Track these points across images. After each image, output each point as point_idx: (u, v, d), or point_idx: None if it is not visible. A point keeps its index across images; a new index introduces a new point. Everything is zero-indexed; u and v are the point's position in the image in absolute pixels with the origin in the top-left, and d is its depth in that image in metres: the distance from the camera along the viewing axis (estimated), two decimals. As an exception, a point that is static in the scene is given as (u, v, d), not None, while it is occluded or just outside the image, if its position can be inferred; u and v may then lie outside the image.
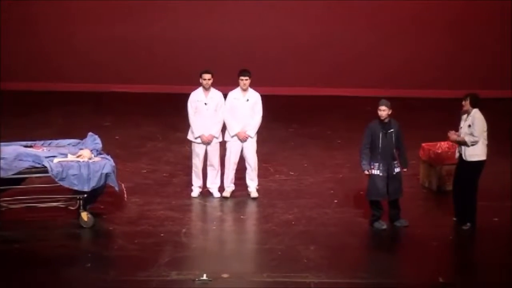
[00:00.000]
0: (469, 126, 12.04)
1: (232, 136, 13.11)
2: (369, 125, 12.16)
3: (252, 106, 13.07)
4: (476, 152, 12.08)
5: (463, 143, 12.06)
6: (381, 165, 12.04)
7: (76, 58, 19.80)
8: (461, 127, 12.17)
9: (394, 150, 12.16)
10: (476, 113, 12.07)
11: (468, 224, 12.23)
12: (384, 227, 12.18)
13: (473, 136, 11.98)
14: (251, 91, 13.10)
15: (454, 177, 12.43)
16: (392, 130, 12.10)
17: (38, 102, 18.79)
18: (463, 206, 12.24)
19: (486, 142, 12.12)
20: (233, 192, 13.33)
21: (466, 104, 12.09)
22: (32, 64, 19.72)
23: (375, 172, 12.07)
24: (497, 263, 11.20)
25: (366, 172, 12.09)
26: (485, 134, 12.10)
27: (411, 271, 11.06)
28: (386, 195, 12.14)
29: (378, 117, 12.09)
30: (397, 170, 12.15)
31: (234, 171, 13.25)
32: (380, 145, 12.04)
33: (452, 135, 12.23)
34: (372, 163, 12.08)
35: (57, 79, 19.69)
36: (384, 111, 12.03)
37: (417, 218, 12.64)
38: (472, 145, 12.00)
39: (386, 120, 12.07)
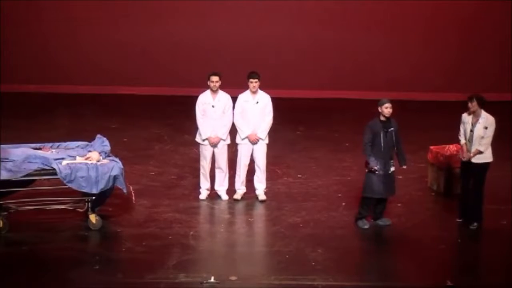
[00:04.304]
0: (486, 128, 12.04)
1: (243, 139, 13.12)
2: (369, 124, 12.20)
3: (262, 108, 13.07)
4: (486, 155, 12.10)
5: (479, 153, 12.06)
6: (379, 163, 12.07)
7: (82, 60, 19.85)
8: (471, 130, 12.13)
9: (393, 149, 12.20)
10: (488, 115, 12.07)
11: (475, 224, 12.24)
12: (367, 226, 12.25)
13: (487, 139, 11.98)
14: (261, 93, 13.12)
15: (462, 178, 12.45)
16: (392, 128, 12.15)
17: (44, 105, 18.83)
18: (469, 208, 12.26)
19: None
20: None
21: (474, 105, 12.08)
22: (38, 66, 19.78)
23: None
24: (505, 266, 11.19)
25: (375, 168, 12.05)
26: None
27: (419, 274, 11.03)
28: (381, 194, 12.18)
29: (379, 115, 12.11)
30: (392, 169, 12.20)
31: (245, 174, 13.26)
32: (382, 144, 12.06)
33: (468, 154, 12.23)
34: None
35: (63, 81, 19.75)
36: (391, 108, 12.07)
37: (425, 221, 12.66)
38: (486, 148, 12.05)
39: (387, 119, 12.10)
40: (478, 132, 12.07)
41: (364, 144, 12.15)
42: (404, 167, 12.38)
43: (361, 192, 12.32)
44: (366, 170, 12.16)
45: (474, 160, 12.10)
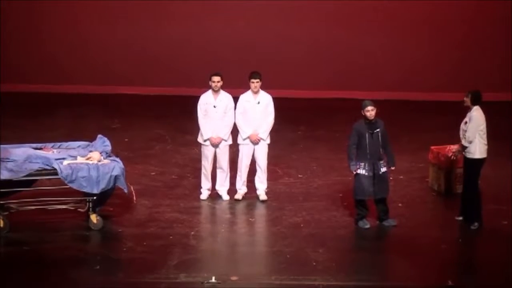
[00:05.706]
0: (466, 123, 12.09)
1: (244, 139, 13.12)
2: (355, 125, 12.25)
3: (264, 108, 13.08)
4: (470, 150, 12.12)
5: (464, 147, 12.11)
6: (366, 164, 12.11)
7: (83, 60, 19.82)
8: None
9: (381, 150, 12.20)
10: (474, 111, 12.11)
11: (476, 223, 12.26)
12: (368, 226, 12.27)
13: (467, 133, 12.02)
14: (262, 93, 13.12)
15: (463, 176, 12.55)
16: (378, 129, 12.17)
17: (45, 104, 18.80)
18: (467, 205, 12.28)
19: (484, 142, 12.15)
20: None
21: (467, 100, 12.17)
22: (39, 66, 19.74)
23: (361, 171, 12.15)
24: (507, 266, 11.17)
25: (354, 172, 12.14)
26: (482, 133, 12.11)
27: (420, 274, 11.03)
28: (371, 195, 12.20)
29: (364, 117, 12.14)
30: (383, 169, 12.22)
31: (246, 174, 13.27)
32: (367, 146, 12.08)
33: (452, 150, 12.39)
34: (358, 163, 12.13)
35: (64, 81, 19.72)
36: (373, 111, 12.10)
37: (426, 220, 12.67)
38: (469, 143, 12.04)
39: (373, 120, 12.10)
40: (462, 126, 12.14)
41: (348, 146, 12.21)
42: (393, 168, 12.40)
43: (353, 195, 12.35)
44: (353, 173, 12.18)
45: (465, 155, 12.17)
